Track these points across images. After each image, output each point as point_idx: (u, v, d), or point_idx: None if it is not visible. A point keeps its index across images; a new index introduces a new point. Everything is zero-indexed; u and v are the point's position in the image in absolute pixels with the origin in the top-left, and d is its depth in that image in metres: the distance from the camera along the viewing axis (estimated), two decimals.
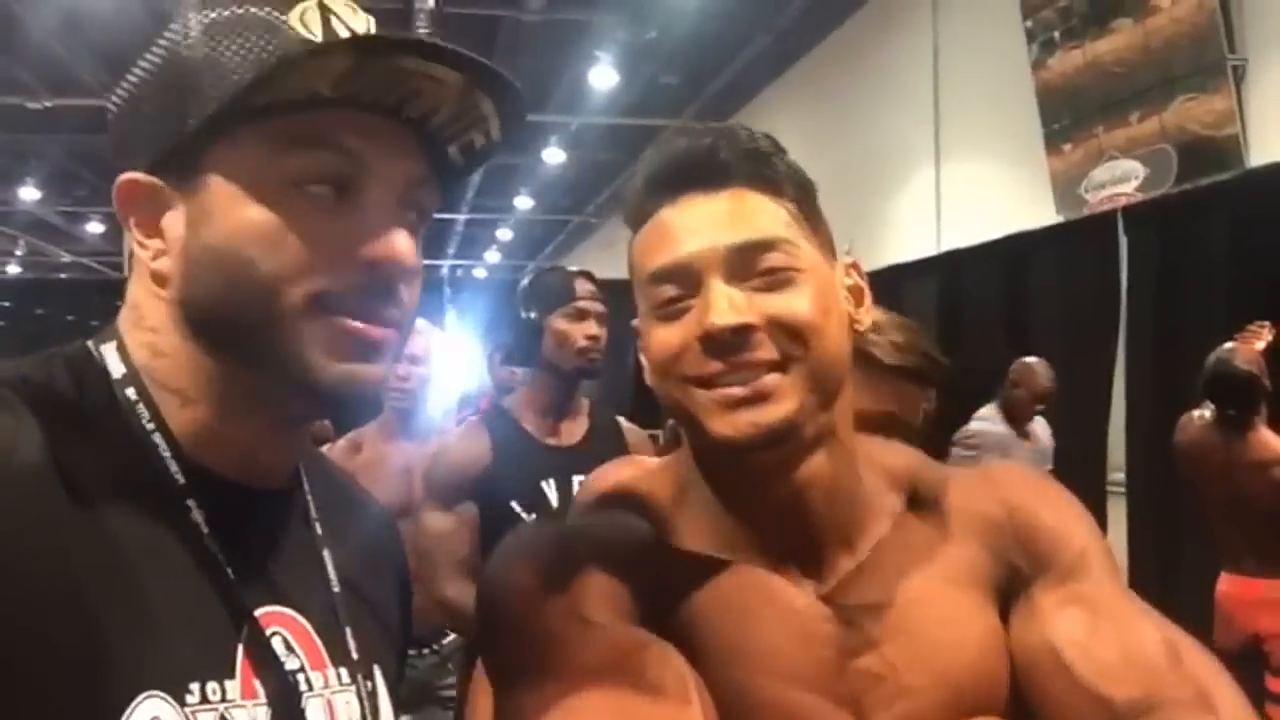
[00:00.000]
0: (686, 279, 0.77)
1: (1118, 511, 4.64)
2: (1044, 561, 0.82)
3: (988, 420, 4.65)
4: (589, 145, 12.30)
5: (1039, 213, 5.91)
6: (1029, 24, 6.07)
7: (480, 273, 21.25)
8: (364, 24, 0.67)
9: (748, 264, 0.76)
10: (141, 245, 0.67)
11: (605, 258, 18.13)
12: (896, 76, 7.88)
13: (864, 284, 0.85)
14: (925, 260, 6.61)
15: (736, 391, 0.75)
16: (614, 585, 0.78)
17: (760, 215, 0.78)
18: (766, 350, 0.75)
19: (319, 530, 0.75)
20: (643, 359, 0.84)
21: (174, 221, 0.66)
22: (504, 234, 19.91)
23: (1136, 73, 5.34)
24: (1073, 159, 5.86)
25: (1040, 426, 4.62)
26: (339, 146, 0.64)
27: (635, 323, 0.85)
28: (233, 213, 0.64)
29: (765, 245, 0.77)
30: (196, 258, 0.65)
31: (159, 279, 0.66)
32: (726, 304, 0.74)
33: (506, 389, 4.71)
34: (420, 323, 3.19)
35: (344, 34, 0.65)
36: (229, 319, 0.64)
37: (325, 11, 0.66)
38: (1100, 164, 5.64)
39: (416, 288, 0.69)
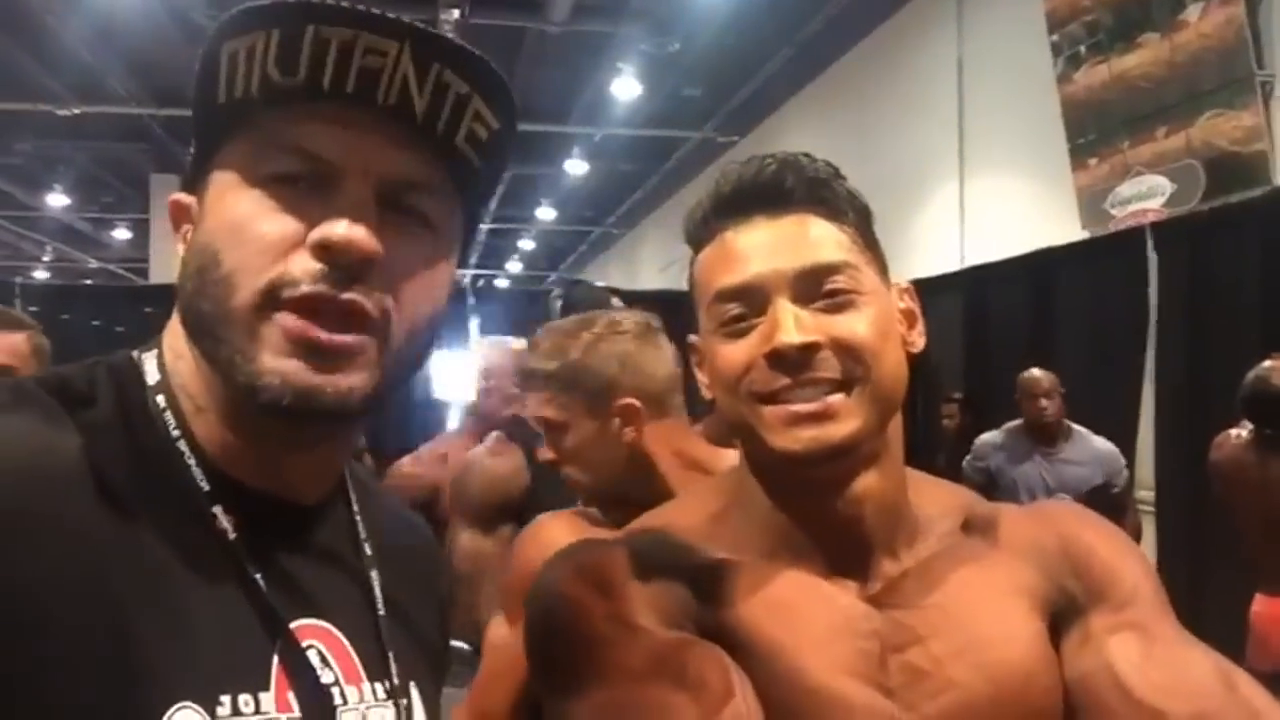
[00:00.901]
0: (754, 298, 0.80)
1: (1146, 530, 4.59)
2: (1099, 591, 0.85)
3: (993, 433, 4.57)
4: (611, 156, 12.33)
5: (1064, 228, 5.87)
6: (1054, 38, 6.04)
7: (502, 282, 21.31)
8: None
9: (813, 286, 0.80)
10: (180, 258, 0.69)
11: (626, 268, 18.19)
12: (920, 90, 7.86)
13: (916, 307, 0.89)
14: (950, 275, 6.56)
15: (801, 408, 0.78)
16: (657, 591, 0.81)
17: (824, 239, 0.82)
18: (830, 369, 0.78)
19: (368, 551, 0.75)
20: (699, 374, 0.89)
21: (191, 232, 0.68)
22: (526, 244, 19.97)
23: (1163, 88, 5.30)
24: (1098, 174, 5.82)
25: (1078, 442, 4.44)
26: (303, 150, 0.63)
27: (692, 339, 0.89)
28: (214, 212, 0.65)
29: (830, 269, 0.80)
30: (187, 260, 0.66)
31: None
32: (793, 322, 0.78)
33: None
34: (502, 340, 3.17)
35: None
36: (196, 316, 0.64)
37: None
38: (1126, 179, 5.60)
39: (411, 300, 0.66)
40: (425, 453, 3.15)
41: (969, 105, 7.27)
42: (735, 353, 0.81)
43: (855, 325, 0.79)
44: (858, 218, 0.85)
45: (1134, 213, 5.49)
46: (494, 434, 2.71)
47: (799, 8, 8.13)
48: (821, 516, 0.83)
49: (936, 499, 0.91)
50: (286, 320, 0.61)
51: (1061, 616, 0.85)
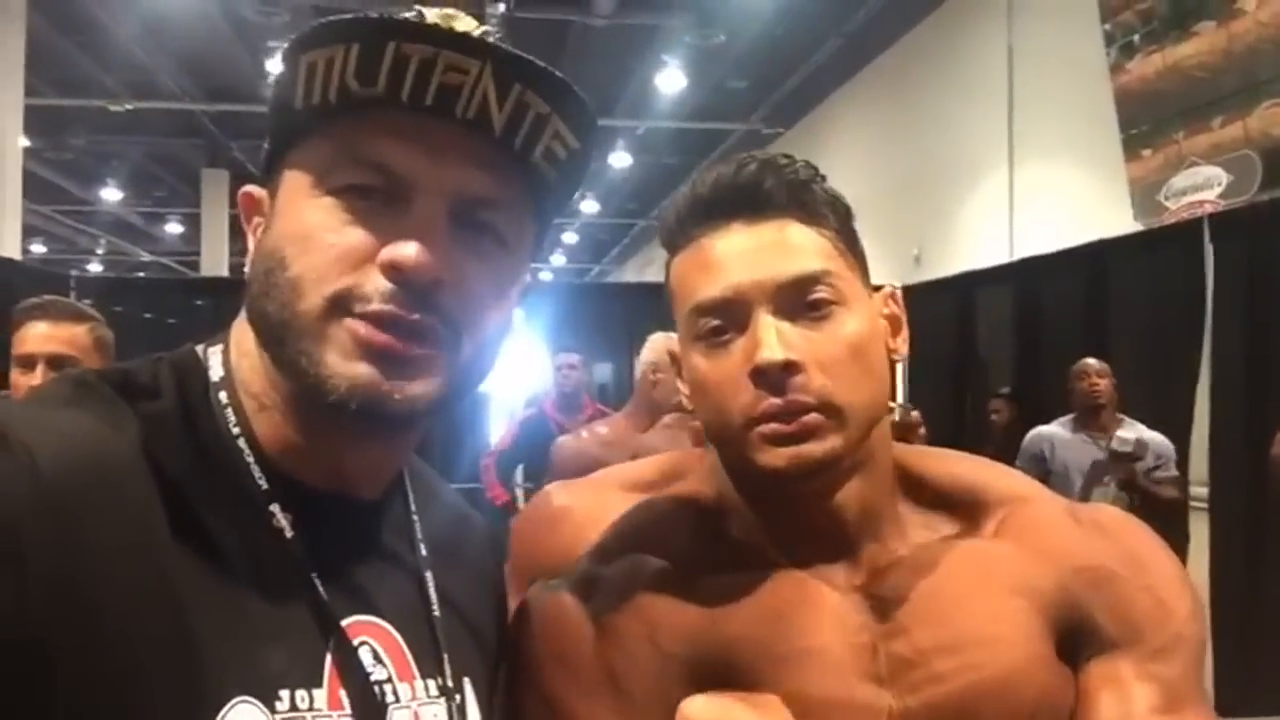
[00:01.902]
0: (734, 313, 0.78)
1: (1199, 527, 4.51)
2: (1136, 632, 0.81)
3: (1046, 425, 4.59)
4: (656, 149, 12.32)
5: (1116, 220, 5.77)
6: (1107, 27, 5.94)
7: (546, 276, 21.39)
8: (467, 29, 0.64)
9: (794, 298, 0.78)
10: (250, 252, 0.69)
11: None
12: (970, 80, 7.76)
13: (901, 313, 0.87)
14: (1000, 268, 6.48)
15: (783, 428, 0.76)
16: (622, 643, 0.81)
17: (805, 247, 0.79)
18: (812, 388, 0.76)
19: (424, 551, 0.75)
20: (680, 384, 0.87)
21: (261, 228, 0.68)
22: (570, 238, 20.02)
23: (1219, 77, 5.20)
24: (1152, 165, 5.72)
25: (1129, 429, 4.40)
26: (377, 164, 0.63)
27: (672, 350, 0.89)
28: (285, 215, 0.65)
29: (811, 279, 0.78)
30: (255, 261, 0.66)
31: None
32: (775, 338, 0.76)
33: (567, 391, 4.74)
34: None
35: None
36: (265, 319, 0.65)
37: (418, 19, 0.64)
38: (1181, 170, 5.50)
39: (480, 314, 0.66)
40: (601, 428, 3.57)
41: (1019, 96, 7.17)
42: (717, 370, 0.79)
43: (837, 340, 0.78)
44: (838, 220, 0.82)
45: (1189, 204, 5.39)
46: (669, 417, 3.14)
47: None
48: (804, 520, 0.83)
49: (936, 486, 0.88)
50: (357, 326, 0.62)
51: (1079, 638, 0.81)
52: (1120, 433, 4.35)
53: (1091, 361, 4.52)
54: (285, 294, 0.63)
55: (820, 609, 0.81)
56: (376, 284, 0.62)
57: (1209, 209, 5.09)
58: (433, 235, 0.63)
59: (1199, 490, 4.62)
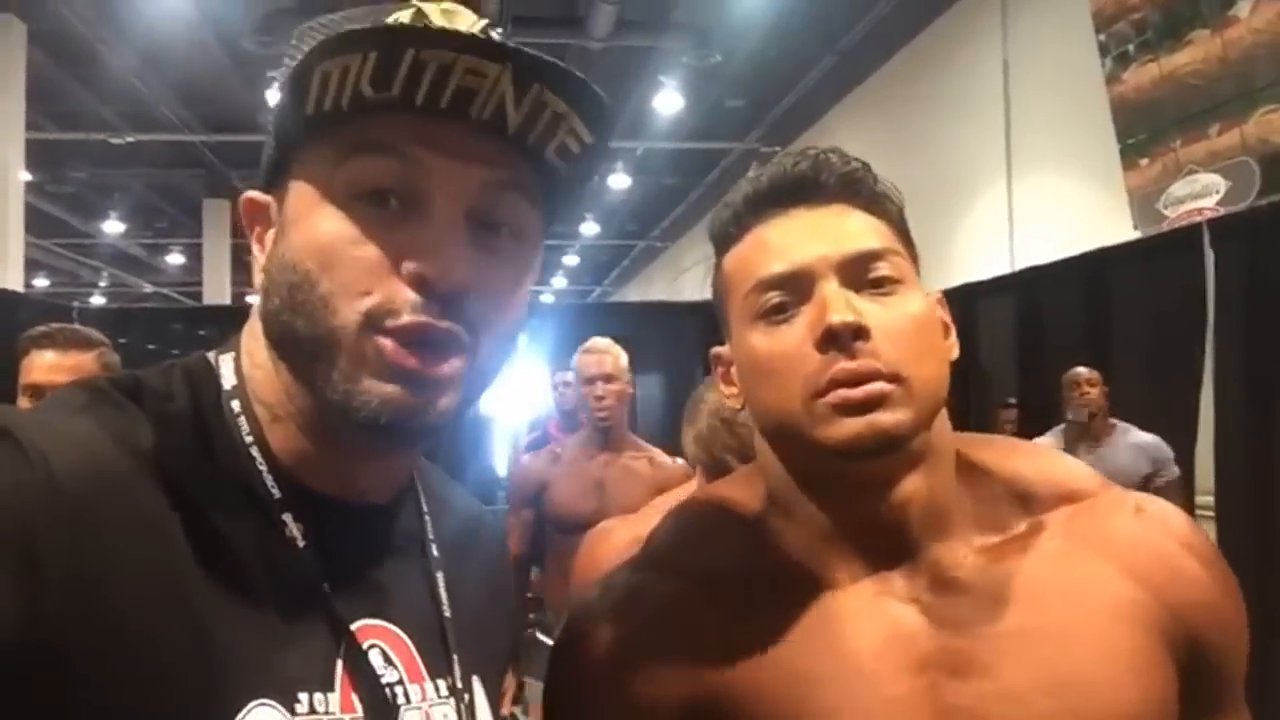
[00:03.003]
0: (798, 286, 0.76)
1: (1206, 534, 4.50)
2: (1238, 687, 0.80)
3: (1043, 436, 4.61)
4: (654, 170, 12.35)
5: (1115, 229, 5.77)
6: (1102, 37, 5.96)
7: (548, 298, 21.41)
8: (467, 24, 0.64)
9: (859, 272, 0.76)
10: (256, 260, 0.69)
11: (670, 281, 18.20)
12: (966, 92, 7.79)
13: (948, 317, 0.85)
14: (1002, 278, 6.48)
15: (851, 394, 0.72)
16: (653, 666, 0.79)
17: (865, 228, 0.78)
18: (879, 358, 0.73)
19: (435, 553, 0.75)
20: (724, 387, 0.84)
21: (269, 236, 0.68)
22: (570, 260, 20.05)
23: (1215, 85, 5.21)
24: (1150, 174, 5.72)
25: (1123, 436, 4.46)
26: (395, 150, 0.63)
27: (716, 350, 0.85)
28: (300, 226, 0.65)
29: (875, 254, 0.77)
30: (271, 271, 0.66)
31: (260, 293, 0.68)
32: (844, 303, 0.74)
33: (566, 409, 4.72)
34: (606, 341, 3.35)
35: None
36: (293, 335, 0.64)
37: (420, 16, 0.64)
38: (1179, 178, 5.51)
39: (501, 312, 0.67)
40: (545, 450, 3.54)
41: (1015, 108, 7.19)
42: (780, 342, 0.76)
43: (903, 314, 0.75)
44: (894, 211, 0.81)
45: (1188, 212, 5.40)
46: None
47: (840, 16, 8.10)
48: (866, 515, 0.78)
49: (1027, 479, 0.83)
50: (388, 347, 0.62)
51: (1195, 684, 0.76)
52: (1112, 442, 4.38)
53: (1082, 370, 4.53)
54: (316, 311, 0.63)
55: (876, 624, 0.76)
56: (405, 296, 0.62)
57: (1208, 215, 5.10)
58: (454, 241, 0.63)
59: (1205, 499, 4.60)
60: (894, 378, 0.73)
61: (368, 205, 0.63)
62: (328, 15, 0.68)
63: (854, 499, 0.79)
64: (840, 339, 0.73)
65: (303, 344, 0.64)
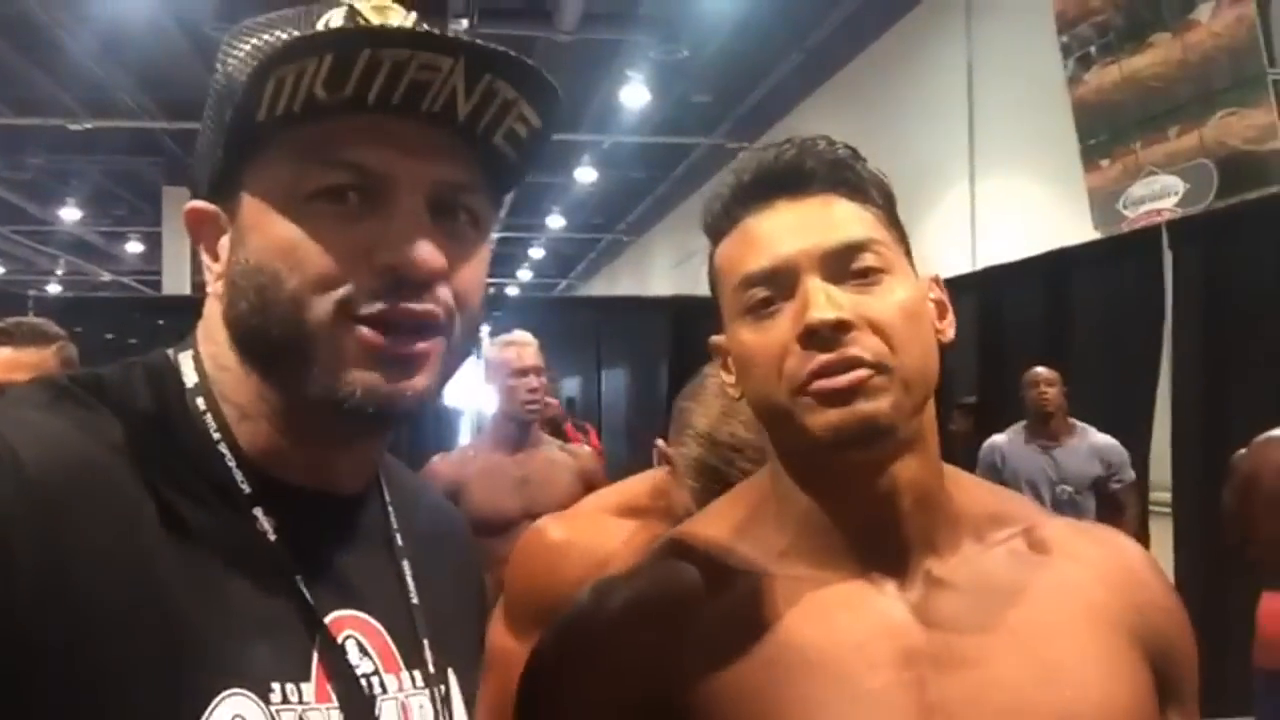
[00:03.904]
0: (782, 281, 0.76)
1: (1162, 530, 4.56)
2: (1192, 690, 0.82)
3: (999, 434, 4.66)
4: (621, 164, 12.35)
5: (1076, 229, 5.84)
6: (1064, 39, 6.02)
7: (513, 291, 21.34)
8: (399, 19, 0.65)
9: (842, 265, 0.76)
10: (209, 268, 0.69)
11: (637, 275, 18.19)
12: (930, 93, 7.84)
13: (946, 298, 0.85)
14: (963, 277, 6.54)
15: (838, 382, 0.73)
16: (649, 656, 0.79)
17: (850, 218, 0.78)
18: (863, 348, 0.74)
19: (399, 541, 0.76)
20: (725, 375, 0.85)
21: (225, 244, 0.68)
22: (536, 252, 20.01)
23: (1175, 87, 5.28)
24: (1110, 175, 5.80)
25: (1080, 436, 4.48)
26: (351, 164, 0.63)
27: (714, 340, 0.86)
28: (261, 230, 0.64)
29: (858, 246, 0.77)
30: (235, 278, 0.66)
31: (219, 300, 0.68)
32: (824, 299, 0.74)
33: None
34: (526, 333, 3.30)
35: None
36: (265, 336, 0.64)
37: (353, 15, 0.65)
38: (1139, 180, 5.58)
39: (468, 295, 0.68)
40: (455, 451, 3.43)
41: (979, 107, 7.25)
42: (765, 337, 0.77)
43: (888, 303, 0.76)
44: (882, 198, 0.82)
45: (1147, 213, 5.47)
46: None
47: (807, 13, 8.13)
48: (857, 507, 0.79)
49: (990, 503, 0.86)
50: (363, 334, 0.63)
51: (1164, 684, 0.79)
52: (1070, 442, 4.41)
53: (1041, 370, 4.54)
54: (287, 310, 0.63)
55: (865, 620, 0.77)
56: (374, 284, 0.63)
57: (1166, 217, 5.17)
58: (420, 230, 0.64)
59: (1161, 495, 4.67)
60: (877, 366, 0.74)
61: (327, 203, 0.63)
62: (253, 20, 0.68)
63: (845, 488, 0.79)
64: (819, 336, 0.73)
65: (276, 345, 0.64)
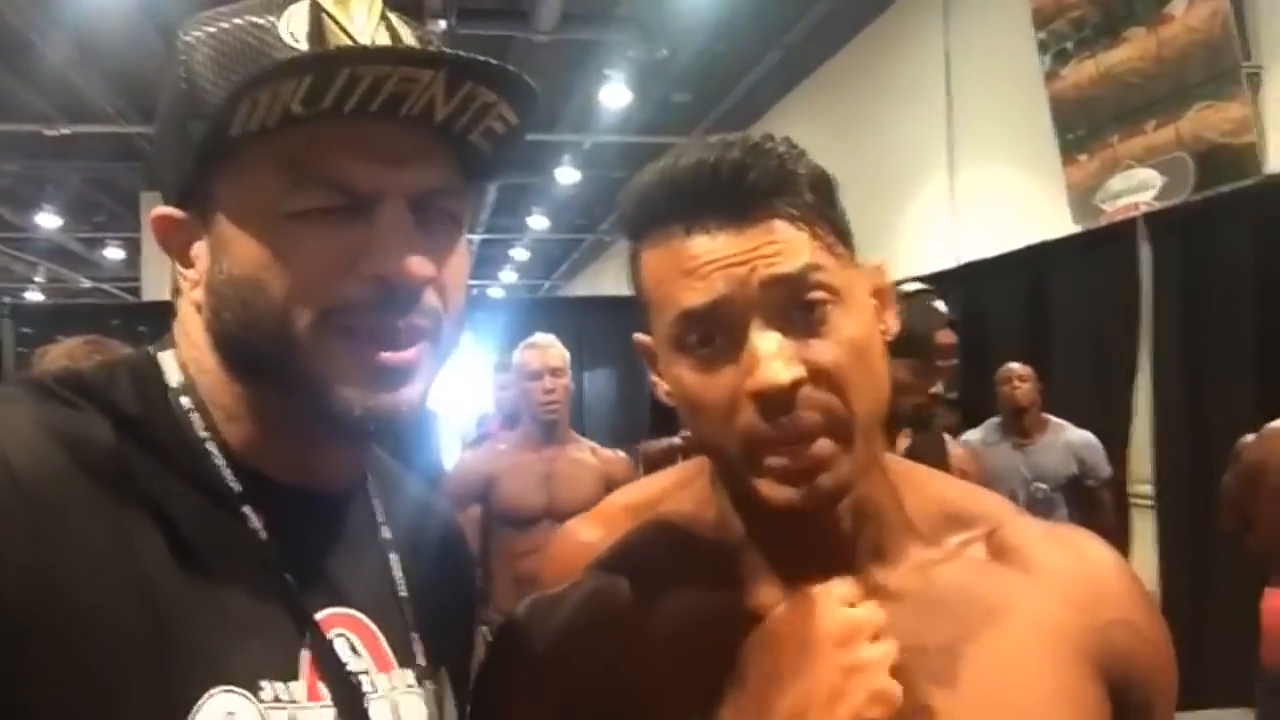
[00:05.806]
0: (722, 321, 0.71)
1: (1145, 524, 4.59)
2: (1158, 704, 0.79)
3: (973, 430, 4.61)
4: (602, 164, 12.32)
5: (1055, 224, 5.87)
6: (1041, 35, 6.05)
7: (497, 292, 21.30)
8: (364, 13, 0.65)
9: (785, 300, 0.71)
10: (182, 275, 0.69)
11: (620, 275, 18.09)
12: (908, 89, 7.86)
13: (888, 285, 0.81)
14: (945, 272, 6.57)
15: (791, 465, 0.70)
16: (595, 658, 0.77)
17: (792, 245, 0.72)
18: (817, 408, 0.70)
19: (387, 535, 0.76)
20: (656, 378, 0.80)
21: (200, 252, 0.67)
22: (519, 253, 19.96)
23: (1151, 82, 5.31)
24: (1089, 169, 5.82)
25: (1055, 433, 4.45)
26: (336, 184, 0.63)
27: (642, 338, 0.81)
28: (242, 241, 0.64)
29: (801, 279, 0.71)
30: (217, 289, 0.66)
31: (196, 307, 0.68)
32: (775, 353, 0.69)
33: (507, 411, 4.69)
34: (549, 336, 3.41)
35: (337, 37, 0.64)
36: (251, 347, 0.64)
37: (316, 10, 0.64)
38: (1116, 174, 5.61)
39: (452, 296, 0.68)
40: (485, 446, 3.62)
41: (957, 104, 7.28)
42: (711, 383, 0.71)
43: (838, 344, 0.71)
44: (824, 202, 0.75)
45: (1125, 207, 5.49)
46: None
47: (786, 11, 8.14)
48: (798, 534, 0.76)
49: (952, 502, 0.83)
50: (354, 345, 0.63)
51: (1121, 702, 0.75)
52: (1045, 439, 4.39)
53: (1015, 365, 4.53)
54: (273, 322, 0.63)
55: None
56: (363, 294, 0.63)
57: (1144, 210, 5.20)
58: (405, 237, 0.64)
59: (1143, 488, 4.70)
60: (834, 430, 0.70)
61: (315, 214, 0.63)
62: (215, 9, 0.67)
63: (787, 521, 0.75)
64: (773, 402, 0.69)
65: (263, 357, 0.64)
